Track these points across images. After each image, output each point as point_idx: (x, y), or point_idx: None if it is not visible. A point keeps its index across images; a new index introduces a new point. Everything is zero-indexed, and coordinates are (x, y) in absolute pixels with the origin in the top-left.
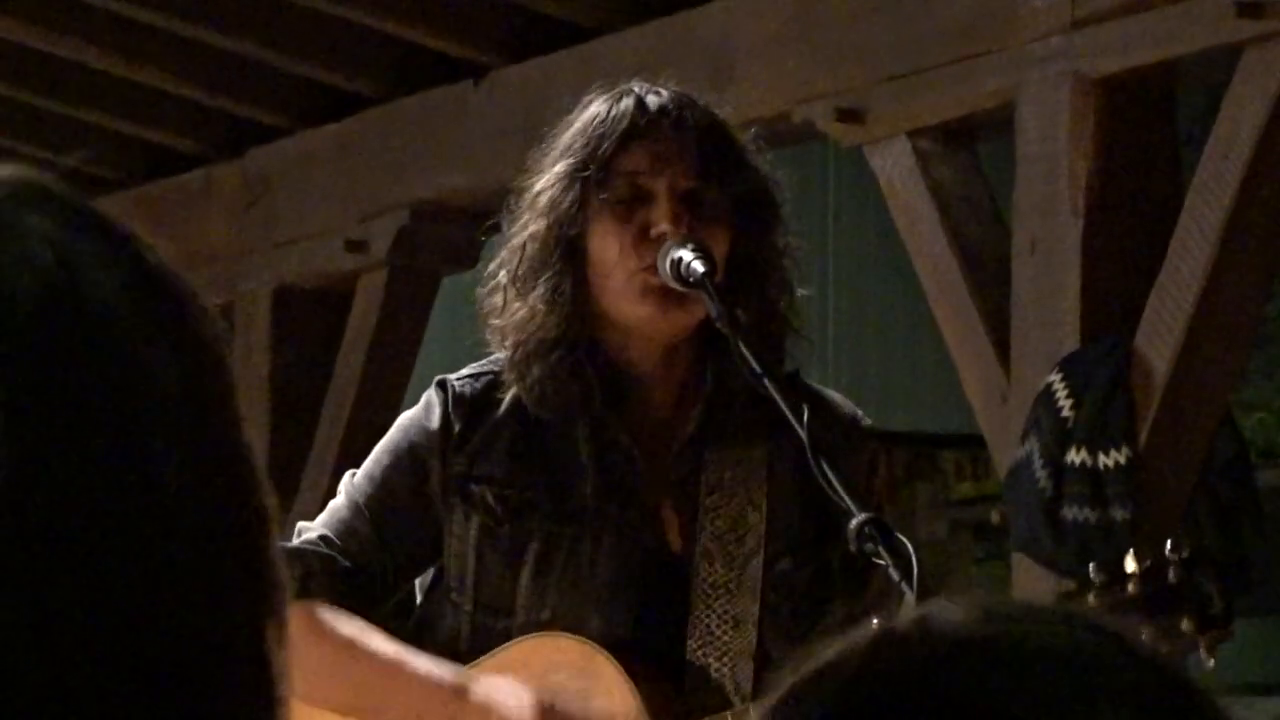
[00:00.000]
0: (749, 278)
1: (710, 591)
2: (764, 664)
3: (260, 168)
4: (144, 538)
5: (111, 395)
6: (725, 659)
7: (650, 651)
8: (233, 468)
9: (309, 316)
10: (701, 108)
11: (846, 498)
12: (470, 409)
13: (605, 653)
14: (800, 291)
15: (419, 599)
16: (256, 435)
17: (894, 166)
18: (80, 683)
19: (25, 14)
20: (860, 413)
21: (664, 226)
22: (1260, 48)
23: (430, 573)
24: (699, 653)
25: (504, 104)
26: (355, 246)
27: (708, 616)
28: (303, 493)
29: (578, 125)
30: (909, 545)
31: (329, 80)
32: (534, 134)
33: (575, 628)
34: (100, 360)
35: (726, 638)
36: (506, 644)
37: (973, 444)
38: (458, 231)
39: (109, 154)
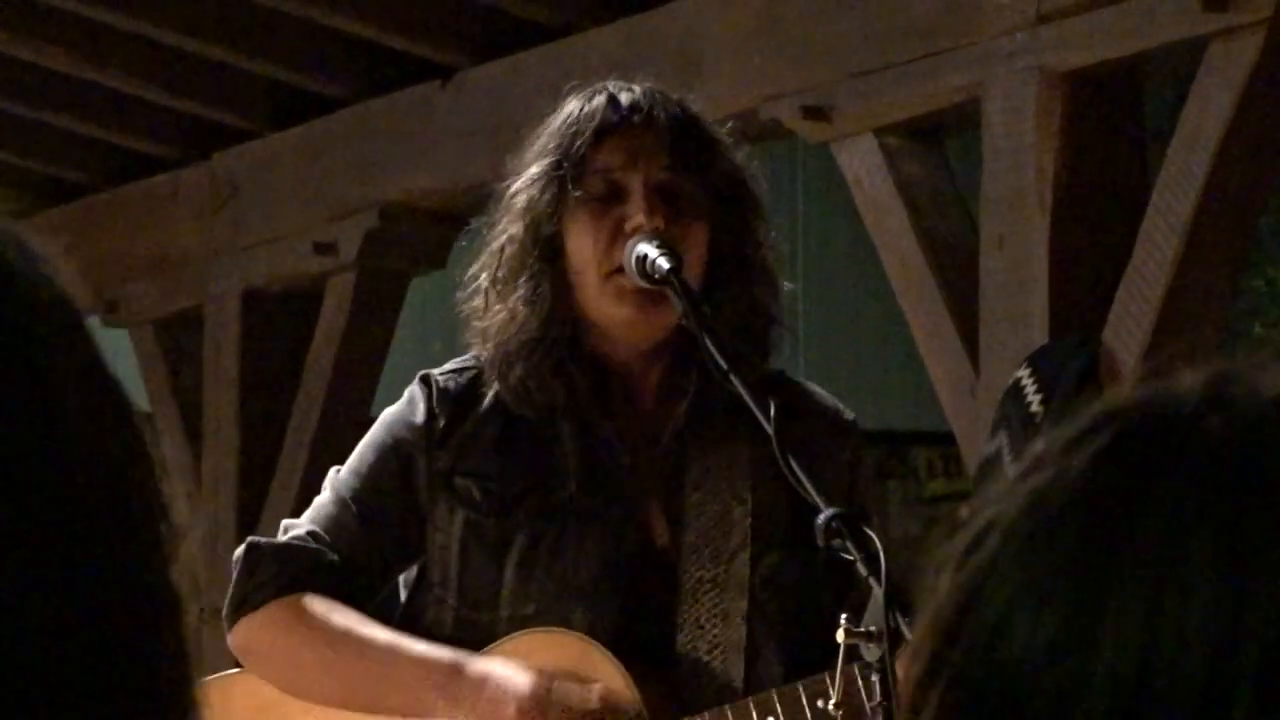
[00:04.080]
0: (732, 271)
1: (698, 586)
2: (753, 658)
3: (228, 170)
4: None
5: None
6: (715, 652)
7: (636, 646)
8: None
9: (278, 319)
10: (674, 102)
11: (814, 493)
12: (454, 403)
13: (603, 648)
14: (787, 285)
15: (403, 596)
16: (226, 438)
17: (861, 163)
18: None
19: None
20: (844, 408)
21: (638, 220)
22: (1225, 41)
23: (414, 570)
24: (689, 647)
25: (471, 104)
26: (323, 248)
27: (696, 610)
28: (272, 495)
29: (552, 126)
30: (877, 539)
31: (296, 82)
32: (501, 134)
33: (560, 622)
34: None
35: (716, 631)
36: (502, 640)
37: (944, 441)
38: (426, 232)
39: (76, 158)
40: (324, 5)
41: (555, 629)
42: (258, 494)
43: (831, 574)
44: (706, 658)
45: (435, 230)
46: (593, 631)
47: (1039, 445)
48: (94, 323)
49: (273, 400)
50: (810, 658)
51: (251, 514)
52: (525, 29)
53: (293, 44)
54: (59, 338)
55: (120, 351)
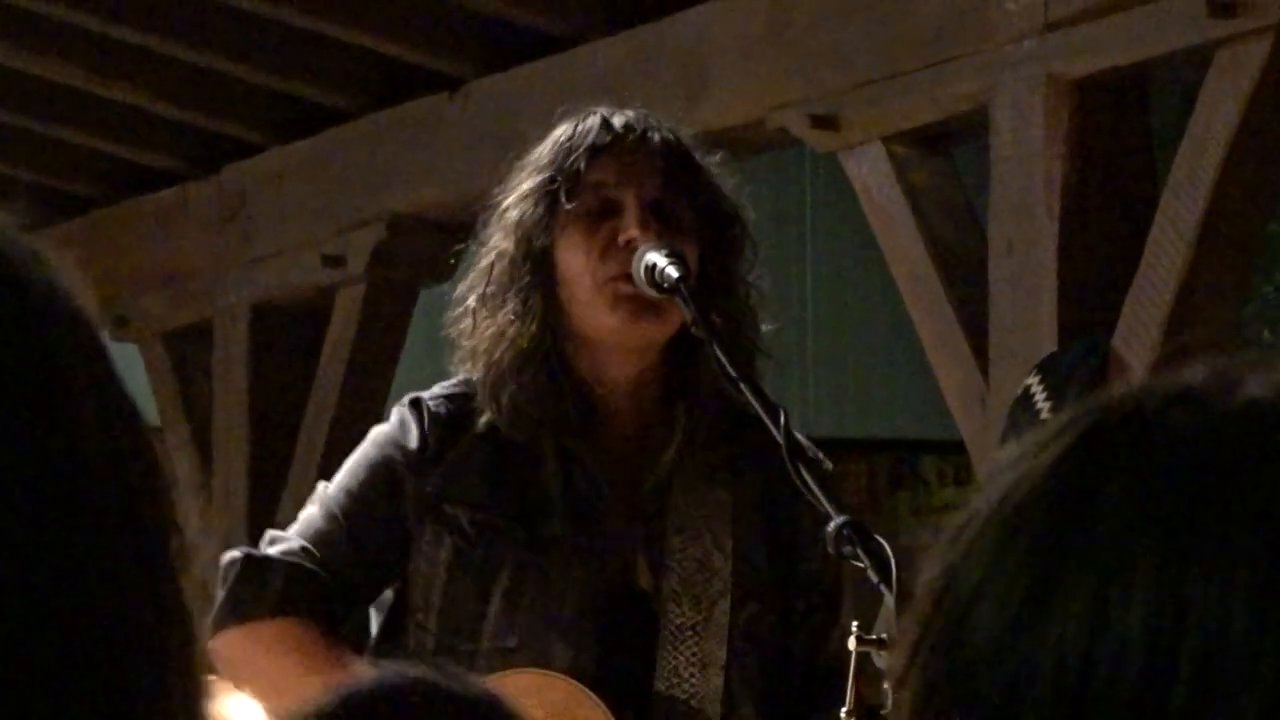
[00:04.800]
0: (717, 296)
1: (677, 633)
2: (730, 710)
3: (236, 184)
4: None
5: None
6: (693, 701)
7: (615, 686)
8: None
9: (287, 332)
10: (666, 126)
11: (824, 501)
12: (444, 429)
13: (590, 693)
14: (766, 326)
15: (374, 621)
16: (236, 451)
17: (869, 172)
18: None
19: (1, 33)
20: (821, 454)
21: (633, 232)
22: (1233, 47)
23: (388, 594)
24: (667, 693)
25: (480, 116)
26: (332, 261)
27: (675, 658)
28: (283, 508)
29: (544, 146)
30: (887, 547)
31: (304, 95)
32: (510, 145)
33: (541, 658)
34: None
35: (694, 680)
36: (490, 677)
37: (954, 450)
38: (435, 244)
39: (84, 172)
40: (331, 18)
41: (543, 671)
42: (269, 507)
43: (807, 626)
44: (684, 706)
45: (444, 242)
46: (574, 669)
47: (1025, 441)
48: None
49: (283, 413)
50: (786, 711)
51: (263, 527)
52: (533, 40)
53: (300, 57)
54: (73, 350)
55: (130, 366)
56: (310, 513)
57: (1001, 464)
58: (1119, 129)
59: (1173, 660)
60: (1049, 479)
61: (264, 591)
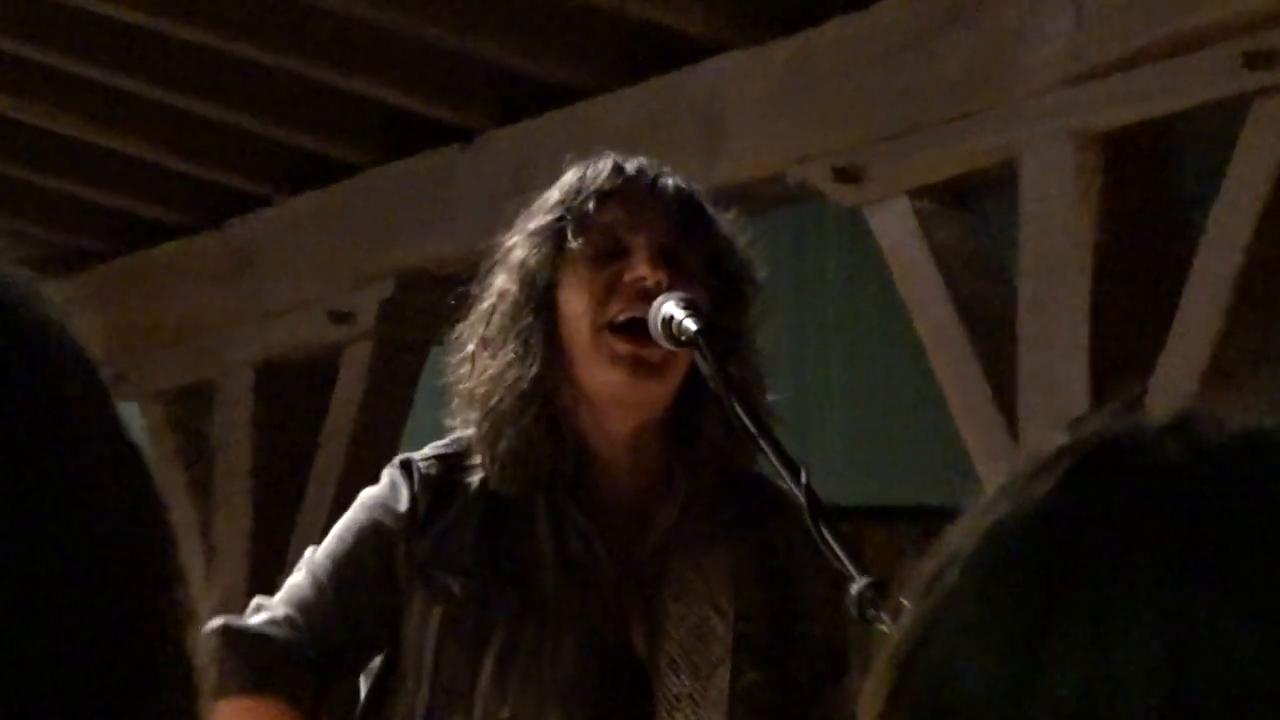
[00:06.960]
0: (726, 349)
1: (675, 702)
2: None
3: (243, 238)
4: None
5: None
6: None
7: None
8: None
9: (294, 388)
10: (677, 175)
11: (847, 562)
12: (435, 492)
13: None
14: (768, 380)
15: (363, 686)
16: (238, 514)
17: (894, 227)
18: None
19: (3, 84)
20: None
21: (642, 271)
22: (1269, 99)
23: (375, 660)
24: None
25: (492, 168)
26: (340, 317)
27: None
28: (288, 566)
29: (552, 191)
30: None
31: (312, 147)
32: (523, 198)
33: None
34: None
35: None
36: None
37: None
38: (445, 300)
39: (89, 225)
40: (340, 68)
41: None
42: (270, 573)
43: (809, 691)
44: None
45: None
46: None
47: (1006, 478)
48: None
49: (287, 475)
50: None
51: (263, 593)
52: (547, 91)
53: (307, 108)
54: (69, 389)
55: (129, 424)
56: (297, 580)
57: (981, 504)
58: (1148, 182)
59: (1177, 702)
60: (1038, 518)
61: (242, 667)
